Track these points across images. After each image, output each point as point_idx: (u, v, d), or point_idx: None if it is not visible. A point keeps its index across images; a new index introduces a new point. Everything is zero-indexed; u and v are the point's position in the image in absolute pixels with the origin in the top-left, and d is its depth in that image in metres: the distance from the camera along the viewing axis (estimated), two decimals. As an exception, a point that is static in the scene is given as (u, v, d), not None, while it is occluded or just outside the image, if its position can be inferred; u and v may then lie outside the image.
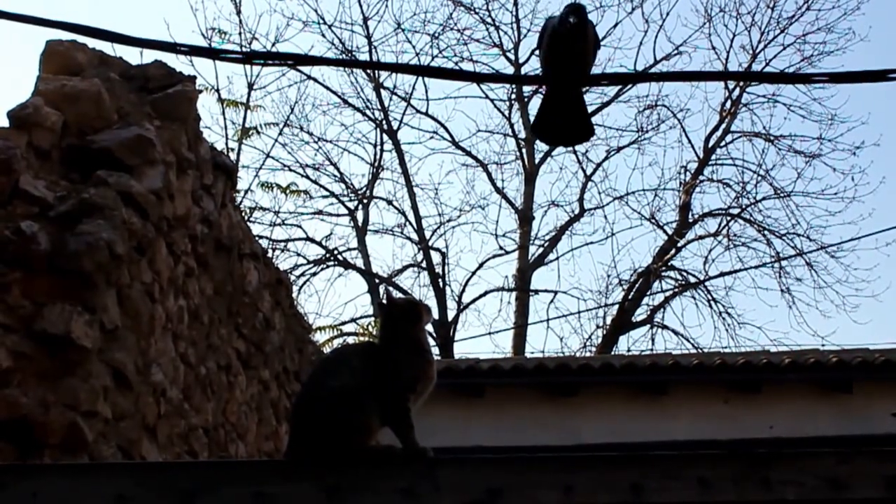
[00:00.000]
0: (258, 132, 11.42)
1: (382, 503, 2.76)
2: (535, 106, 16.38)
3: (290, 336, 7.07)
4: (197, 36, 10.95)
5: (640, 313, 16.50)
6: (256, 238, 6.88)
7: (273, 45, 12.45)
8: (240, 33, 11.67)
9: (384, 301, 3.08)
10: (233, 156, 10.82)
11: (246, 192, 11.55)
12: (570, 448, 8.92)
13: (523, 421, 10.61)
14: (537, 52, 3.96)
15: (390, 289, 3.49)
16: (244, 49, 10.48)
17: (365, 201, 16.57)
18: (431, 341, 15.50)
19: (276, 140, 13.19)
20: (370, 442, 2.88)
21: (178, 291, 5.16)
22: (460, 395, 10.82)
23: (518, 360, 12.35)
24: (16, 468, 3.15)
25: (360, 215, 16.43)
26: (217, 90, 10.46)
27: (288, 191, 12.27)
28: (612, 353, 14.99)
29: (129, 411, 4.56)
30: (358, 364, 2.91)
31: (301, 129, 16.28)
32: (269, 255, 12.96)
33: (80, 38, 4.78)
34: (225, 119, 11.64)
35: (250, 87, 10.55)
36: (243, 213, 11.51)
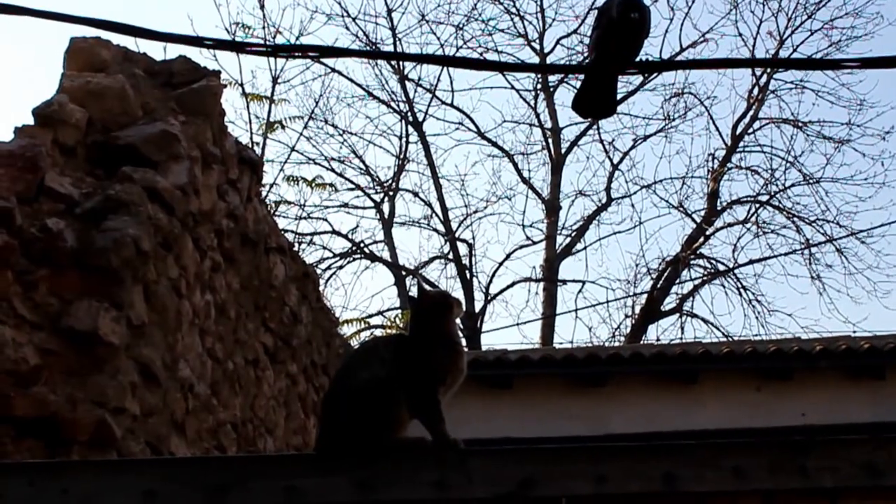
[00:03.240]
0: (282, 126, 11.42)
1: (414, 495, 2.74)
2: (561, 96, 16.30)
3: (317, 330, 7.05)
4: (221, 31, 10.93)
5: (670, 302, 16.42)
6: (282, 232, 6.87)
7: (297, 38, 12.46)
8: (263, 27, 11.67)
9: (415, 293, 3.06)
10: (258, 150, 10.83)
11: (271, 185, 11.55)
12: (600, 438, 8.87)
13: (552, 412, 10.58)
14: (590, 30, 4.03)
15: (421, 282, 3.47)
16: (268, 43, 10.47)
17: (391, 193, 16.56)
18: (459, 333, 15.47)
19: (300, 133, 13.19)
20: (400, 434, 2.86)
21: (204, 286, 5.15)
22: (489, 387, 10.80)
23: (546, 350, 12.30)
24: (45, 465, 3.14)
25: (385, 207, 16.42)
26: (241, 85, 10.45)
27: (314, 184, 12.24)
28: (642, 342, 14.91)
29: (157, 407, 4.56)
30: (388, 356, 2.90)
31: (326, 122, 16.29)
32: (296, 248, 13.03)
33: (105, 35, 4.77)
34: (249, 113, 11.73)
35: (275, 80, 10.52)
36: (269, 207, 11.53)
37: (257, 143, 10.43)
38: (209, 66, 5.46)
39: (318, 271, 14.70)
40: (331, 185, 13.65)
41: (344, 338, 8.58)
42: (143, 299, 4.48)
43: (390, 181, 16.59)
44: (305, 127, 13.57)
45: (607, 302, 15.88)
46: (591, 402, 10.69)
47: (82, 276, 4.22)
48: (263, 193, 11.22)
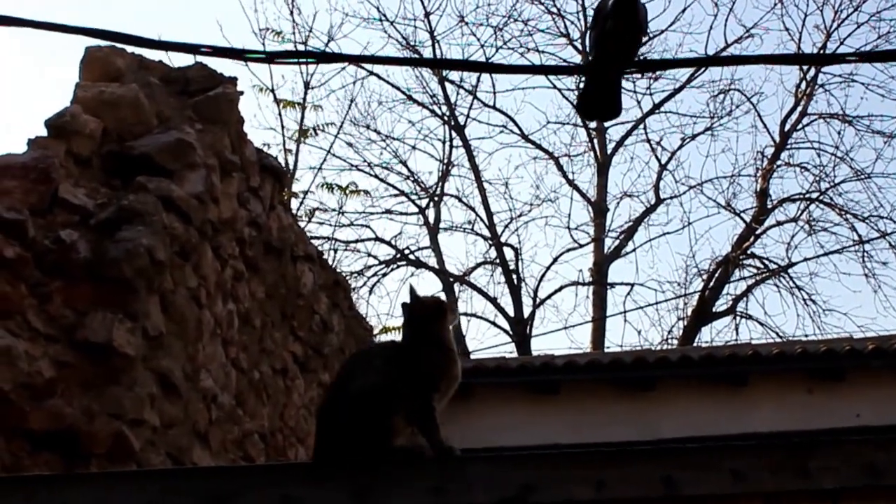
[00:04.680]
0: (316, 132, 11.38)
1: (411, 503, 2.67)
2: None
3: (350, 338, 6.99)
4: (251, 37, 10.94)
5: (722, 303, 16.16)
6: (311, 240, 6.82)
7: (328, 42, 12.43)
8: (294, 32, 11.64)
9: (408, 300, 3.00)
10: (291, 157, 10.82)
11: (306, 192, 11.51)
12: (651, 443, 8.72)
13: (601, 417, 10.43)
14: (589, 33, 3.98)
15: (414, 287, 3.39)
16: (298, 48, 10.44)
17: (436, 199, 16.48)
18: (507, 339, 15.36)
19: (335, 137, 13.05)
20: (397, 442, 2.80)
21: (226, 296, 5.11)
22: (536, 393, 10.69)
23: (593, 355, 12.15)
24: (44, 479, 3.10)
25: (431, 213, 16.35)
26: (272, 91, 10.45)
27: (348, 191, 12.19)
28: (694, 345, 14.68)
29: (177, 418, 4.52)
30: (383, 364, 2.86)
31: (368, 127, 16.25)
32: (334, 256, 13.01)
33: (103, 42, 4.73)
34: (282, 120, 11.63)
35: (307, 86, 10.51)
36: (304, 215, 11.52)
37: (290, 150, 10.41)
38: (239, 74, 5.43)
39: (364, 279, 14.69)
40: (365, 191, 13.57)
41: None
42: (161, 309, 4.45)
43: (435, 186, 16.53)
44: (340, 131, 13.44)
45: (656, 304, 15.65)
46: (640, 407, 10.52)
47: (96, 288, 4.19)
48: (299, 200, 11.26)
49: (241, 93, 5.33)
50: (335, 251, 13.27)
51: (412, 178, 16.59)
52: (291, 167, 10.77)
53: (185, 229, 4.66)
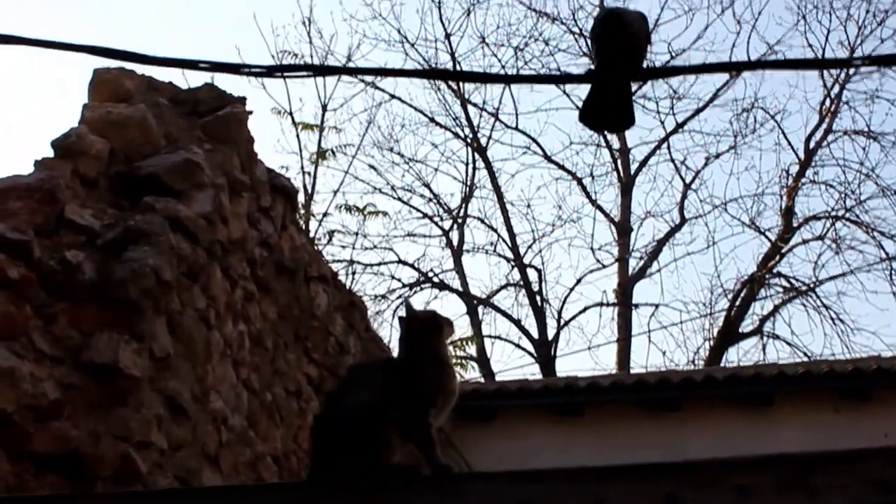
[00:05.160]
0: (335, 154, 11.37)
1: (409, 523, 2.61)
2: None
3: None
4: (272, 61, 10.89)
5: (749, 324, 15.99)
6: (331, 262, 6.77)
7: (346, 62, 12.37)
8: (311, 55, 11.62)
9: (403, 315, 2.95)
10: (308, 179, 10.79)
11: (324, 214, 11.47)
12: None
13: (626, 439, 10.31)
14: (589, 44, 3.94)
15: (410, 302, 3.36)
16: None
17: (459, 221, 16.43)
18: (531, 360, 15.24)
19: (352, 158, 12.99)
20: (393, 459, 2.74)
21: (237, 316, 5.06)
22: (559, 415, 10.61)
23: (617, 376, 12.03)
24: (36, 500, 3.06)
25: (454, 235, 16.30)
26: (290, 113, 10.44)
27: (366, 212, 12.15)
28: (720, 365, 14.52)
29: (186, 440, 4.47)
30: (378, 380, 2.81)
31: (391, 150, 16.25)
32: (353, 279, 12.95)
33: (107, 62, 4.72)
34: (300, 142, 11.60)
35: (324, 108, 10.51)
36: (323, 237, 11.48)
37: (308, 172, 10.38)
38: (258, 95, 5.42)
39: (388, 302, 14.64)
40: (384, 212, 13.52)
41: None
42: (168, 330, 4.40)
43: (458, 208, 16.49)
44: (357, 152, 13.38)
45: (681, 323, 15.50)
46: (666, 429, 10.41)
47: (102, 309, 4.15)
48: (317, 222, 11.23)
49: (251, 112, 5.30)
50: (353, 273, 13.22)
51: (435, 201, 16.57)
52: (309, 189, 10.78)
53: (193, 249, 4.62)
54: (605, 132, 13.27)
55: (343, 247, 13.57)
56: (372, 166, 16.03)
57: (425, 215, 16.39)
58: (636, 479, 2.38)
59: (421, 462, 2.76)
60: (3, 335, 3.84)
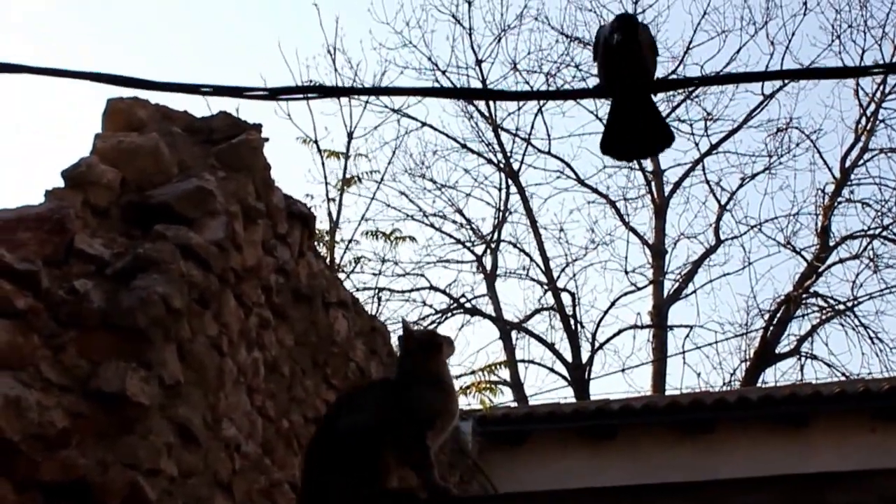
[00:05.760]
0: (360, 181, 11.38)
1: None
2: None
3: (389, 385, 6.90)
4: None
5: (786, 344, 15.83)
6: (357, 290, 6.76)
7: (356, 84, 12.35)
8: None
9: (402, 334, 2.92)
10: (334, 206, 10.80)
11: (350, 241, 11.47)
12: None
13: (659, 461, 10.23)
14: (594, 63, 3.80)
15: (407, 321, 3.32)
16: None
17: (492, 246, 16.40)
18: (564, 384, 15.14)
19: (378, 185, 12.95)
20: (388, 483, 2.70)
21: (251, 343, 5.05)
22: (592, 438, 10.56)
23: (650, 398, 11.93)
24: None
25: (487, 261, 16.26)
26: (315, 141, 10.47)
27: (393, 237, 12.14)
28: (757, 386, 14.36)
29: (197, 468, 4.45)
30: (375, 401, 2.78)
31: (423, 176, 16.27)
32: (380, 306, 12.91)
33: (116, 90, 4.74)
34: (324, 169, 11.62)
35: (350, 136, 10.53)
36: (348, 263, 11.45)
37: (333, 199, 10.37)
38: (282, 123, 5.43)
39: (419, 326, 14.60)
40: (411, 237, 13.50)
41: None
42: (178, 358, 4.40)
43: (491, 233, 16.46)
44: (382, 179, 13.35)
45: (716, 342, 15.38)
46: (699, 451, 10.32)
47: (110, 337, 4.15)
48: (342, 249, 11.22)
49: (266, 139, 5.30)
50: (380, 300, 13.19)
51: (468, 226, 16.55)
52: (335, 216, 10.79)
53: (205, 277, 4.62)
54: (637, 157, 13.12)
55: (374, 274, 13.58)
56: (403, 192, 16.06)
57: (458, 241, 16.40)
58: (641, 499, 2.35)
59: (417, 486, 2.73)
60: (10, 365, 3.85)
